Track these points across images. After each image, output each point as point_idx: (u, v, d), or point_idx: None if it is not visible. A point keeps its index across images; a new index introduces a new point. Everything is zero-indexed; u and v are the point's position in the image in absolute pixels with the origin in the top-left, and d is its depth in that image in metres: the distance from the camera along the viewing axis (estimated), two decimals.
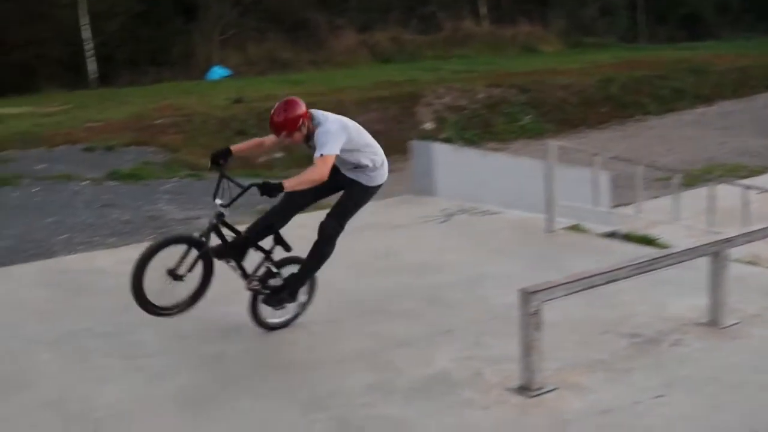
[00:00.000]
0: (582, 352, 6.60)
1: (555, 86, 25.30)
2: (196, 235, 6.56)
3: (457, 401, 5.91)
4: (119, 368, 6.37)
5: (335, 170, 6.66)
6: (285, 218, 6.91)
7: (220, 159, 6.72)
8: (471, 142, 21.20)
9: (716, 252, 6.98)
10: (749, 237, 7.38)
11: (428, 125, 22.31)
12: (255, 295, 6.90)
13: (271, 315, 7.04)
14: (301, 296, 7.19)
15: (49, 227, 11.55)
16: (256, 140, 7.24)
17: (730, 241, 7.14)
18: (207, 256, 6.53)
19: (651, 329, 7.04)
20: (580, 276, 6.21)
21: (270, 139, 6.90)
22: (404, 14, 35.49)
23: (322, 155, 6.43)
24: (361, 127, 6.87)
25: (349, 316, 7.62)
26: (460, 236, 10.13)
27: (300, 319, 7.45)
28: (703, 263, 7.11)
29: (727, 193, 12.74)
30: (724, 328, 7.00)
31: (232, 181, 6.53)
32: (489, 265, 8.89)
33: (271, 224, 6.88)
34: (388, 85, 24.12)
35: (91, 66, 29.33)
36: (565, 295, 6.11)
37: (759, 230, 7.52)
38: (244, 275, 6.82)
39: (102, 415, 5.79)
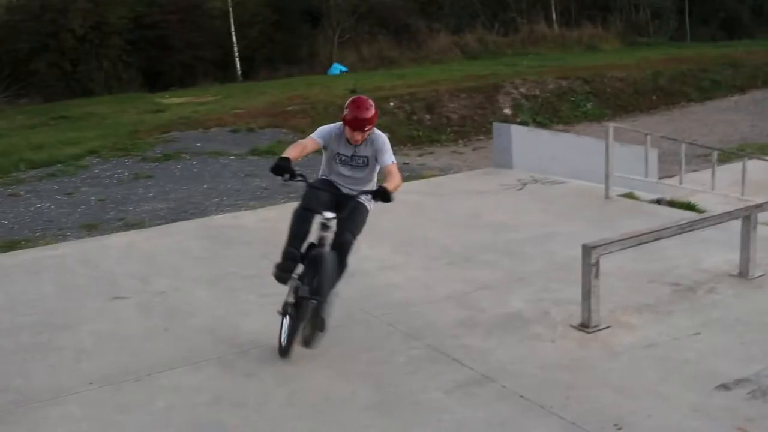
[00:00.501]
0: (632, 297, 6.51)
1: (613, 78, 24.69)
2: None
3: (528, 335, 5.91)
4: (258, 304, 6.52)
5: (338, 189, 5.66)
6: (310, 227, 5.53)
7: (289, 171, 5.28)
8: (542, 124, 20.88)
9: (747, 216, 6.80)
10: None
11: (507, 111, 22.03)
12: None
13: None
14: None
15: (204, 192, 11.77)
16: (300, 144, 5.59)
17: (759, 207, 6.94)
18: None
19: (690, 279, 6.90)
20: (632, 234, 6.13)
21: (312, 142, 5.59)
22: (489, 19, 35.13)
23: (393, 162, 5.52)
24: None
25: (441, 264, 7.64)
26: (533, 201, 10.03)
27: (401, 267, 7.54)
28: (735, 225, 6.93)
29: (757, 167, 12.36)
30: (752, 279, 6.82)
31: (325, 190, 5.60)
32: (556, 225, 8.80)
33: (305, 234, 5.55)
34: (475, 78, 23.85)
35: (237, 64, 29.68)
36: (619, 249, 6.04)
37: None
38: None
39: (244, 340, 5.94)
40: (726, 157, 14.26)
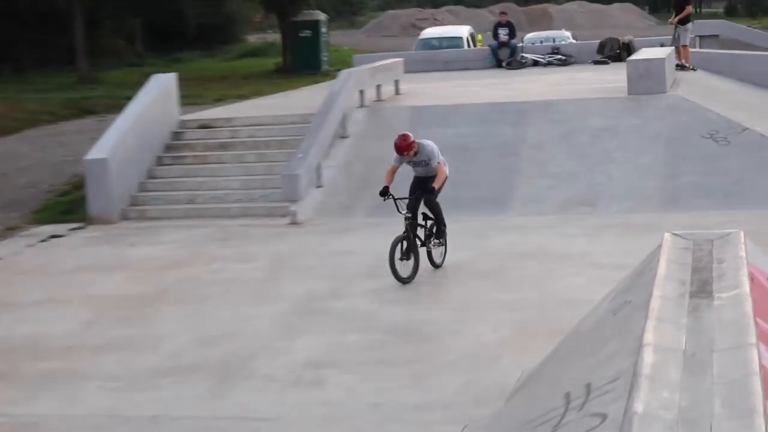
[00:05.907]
0: None
1: None
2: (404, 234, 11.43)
3: None
4: None
5: (426, 180, 11.69)
6: (418, 206, 11.77)
7: (388, 194, 11.57)
8: None
9: None
10: None
11: None
12: (429, 250, 11.88)
13: (436, 257, 12.03)
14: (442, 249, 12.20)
15: None
16: (390, 171, 11.85)
17: None
18: (411, 241, 11.46)
19: None
20: None
21: (392, 166, 11.77)
22: None
23: (439, 162, 11.54)
24: None
25: None
26: None
27: None
28: None
29: None
30: None
31: (400, 198, 11.62)
32: None
33: (415, 211, 11.70)
34: None
35: None
36: None
37: None
38: (422, 242, 11.73)
39: None
40: None
